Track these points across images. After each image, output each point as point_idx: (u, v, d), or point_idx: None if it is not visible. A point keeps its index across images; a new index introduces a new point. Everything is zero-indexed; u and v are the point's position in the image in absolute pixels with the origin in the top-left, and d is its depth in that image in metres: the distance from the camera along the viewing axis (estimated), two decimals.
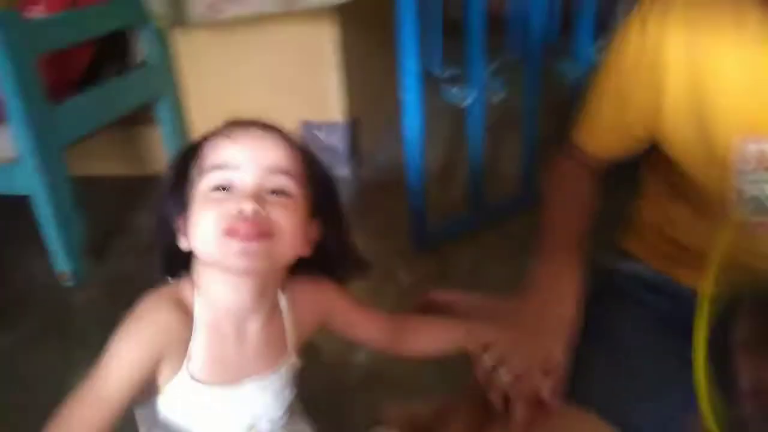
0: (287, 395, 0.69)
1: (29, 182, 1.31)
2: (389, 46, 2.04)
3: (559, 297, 0.71)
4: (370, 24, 2.01)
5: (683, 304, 0.75)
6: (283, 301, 0.67)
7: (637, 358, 0.74)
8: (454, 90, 1.41)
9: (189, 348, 0.61)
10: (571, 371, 0.73)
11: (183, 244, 0.61)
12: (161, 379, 0.62)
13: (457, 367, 0.73)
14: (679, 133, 0.74)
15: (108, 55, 1.60)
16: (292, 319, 0.68)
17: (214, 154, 0.60)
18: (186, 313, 0.62)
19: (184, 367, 0.61)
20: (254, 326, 0.65)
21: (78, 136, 1.46)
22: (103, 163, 2.01)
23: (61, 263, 1.40)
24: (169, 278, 0.65)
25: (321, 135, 1.89)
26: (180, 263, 0.63)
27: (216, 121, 0.63)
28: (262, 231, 0.57)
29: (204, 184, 0.59)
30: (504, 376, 0.64)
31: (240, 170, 0.58)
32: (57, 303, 1.37)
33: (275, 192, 0.59)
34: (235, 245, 0.56)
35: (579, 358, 0.75)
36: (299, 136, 0.66)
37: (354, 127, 1.92)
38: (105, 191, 1.89)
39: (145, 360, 0.59)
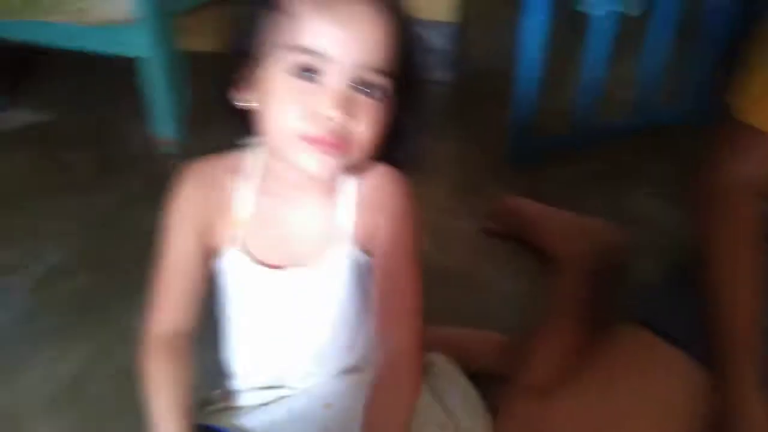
0: (344, 292, 0.62)
1: (143, 44, 1.32)
2: None
3: None
4: None
5: None
6: (351, 188, 0.60)
7: None
8: None
9: (234, 219, 0.60)
10: None
11: (238, 101, 0.57)
12: (214, 246, 0.62)
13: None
14: None
15: None
16: (357, 210, 0.61)
17: (303, 29, 0.51)
18: (233, 181, 0.60)
19: (231, 238, 0.61)
20: (307, 204, 0.60)
21: (190, 4, 1.45)
22: (209, 38, 2.00)
23: (165, 129, 1.43)
24: (243, 138, 0.62)
25: (426, 35, 1.80)
26: (245, 121, 0.58)
27: None
28: (342, 141, 0.52)
29: (287, 62, 0.51)
30: None
31: (333, 62, 0.51)
32: (158, 167, 1.42)
33: (366, 87, 0.52)
34: (311, 152, 0.52)
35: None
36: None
37: (463, 28, 1.82)
38: (207, 67, 1.89)
39: (189, 234, 0.61)
